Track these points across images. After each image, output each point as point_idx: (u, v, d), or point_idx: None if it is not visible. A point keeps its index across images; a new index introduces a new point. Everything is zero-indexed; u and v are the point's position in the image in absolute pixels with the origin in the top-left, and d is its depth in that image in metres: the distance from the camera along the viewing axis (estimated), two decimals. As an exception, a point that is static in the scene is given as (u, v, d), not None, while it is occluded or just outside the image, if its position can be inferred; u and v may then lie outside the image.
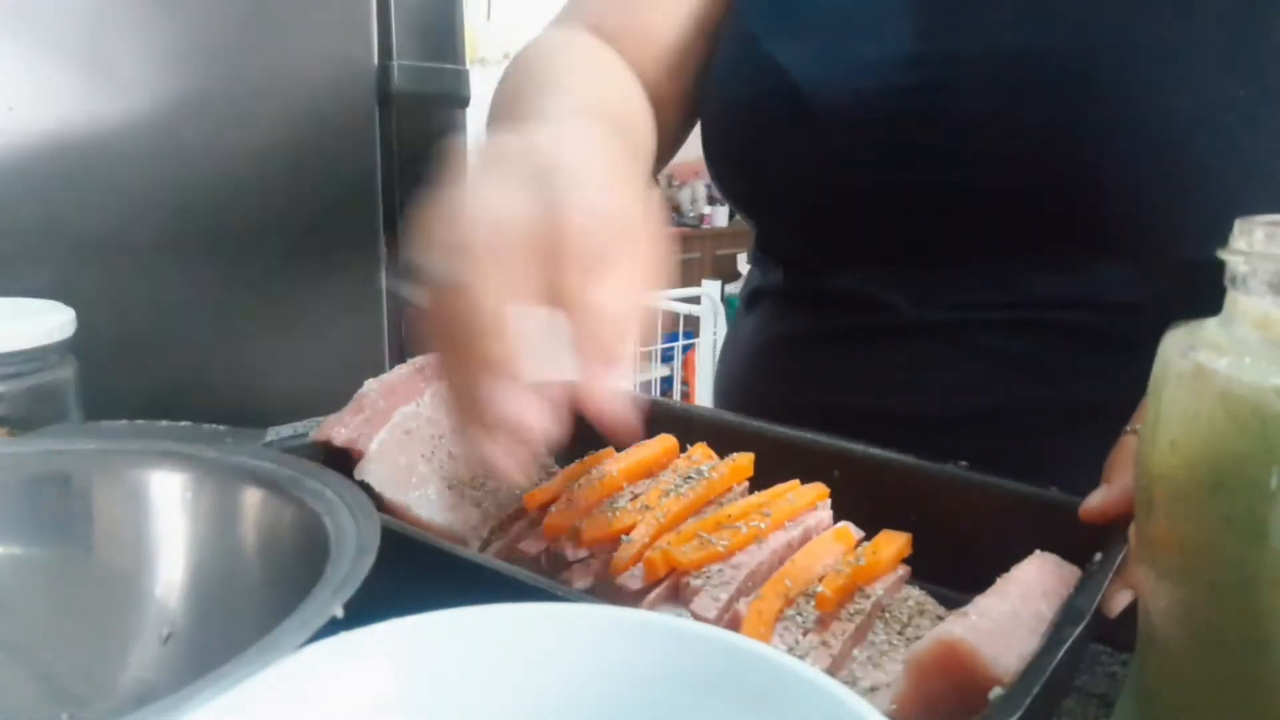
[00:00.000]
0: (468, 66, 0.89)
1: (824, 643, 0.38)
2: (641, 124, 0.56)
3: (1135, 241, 0.54)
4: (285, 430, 0.72)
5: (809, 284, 0.64)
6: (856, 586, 0.41)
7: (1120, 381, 0.40)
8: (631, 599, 0.41)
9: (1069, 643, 0.33)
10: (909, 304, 0.58)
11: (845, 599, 0.40)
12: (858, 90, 0.55)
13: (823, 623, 0.39)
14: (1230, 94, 0.50)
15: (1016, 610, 0.35)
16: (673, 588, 0.42)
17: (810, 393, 0.62)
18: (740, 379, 0.69)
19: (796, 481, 0.48)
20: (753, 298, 0.69)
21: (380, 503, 0.48)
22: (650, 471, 0.50)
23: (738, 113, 0.61)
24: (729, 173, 0.64)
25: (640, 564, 0.42)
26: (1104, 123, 0.51)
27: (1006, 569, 0.39)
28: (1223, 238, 0.29)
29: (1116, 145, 0.51)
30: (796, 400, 0.62)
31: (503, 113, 0.52)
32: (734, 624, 0.39)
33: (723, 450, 0.51)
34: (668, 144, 0.64)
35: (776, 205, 0.64)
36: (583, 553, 0.44)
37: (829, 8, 0.58)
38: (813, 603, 0.40)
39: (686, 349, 2.76)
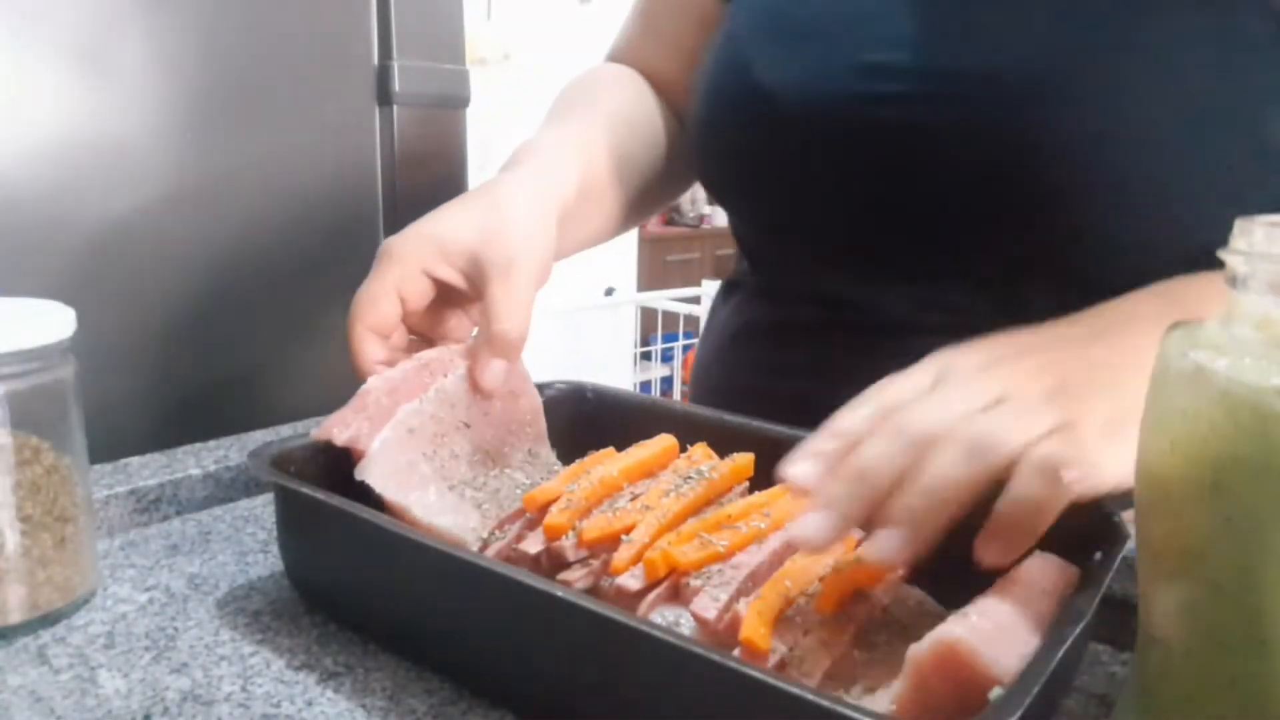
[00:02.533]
0: (468, 66, 0.89)
1: (824, 643, 0.38)
2: (650, 117, 0.73)
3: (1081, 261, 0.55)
4: (285, 430, 0.72)
5: (775, 279, 0.68)
6: (856, 586, 0.41)
7: None
8: (631, 599, 0.41)
9: (1069, 643, 0.33)
10: (874, 305, 0.61)
11: (845, 599, 0.40)
12: (823, 95, 0.58)
13: (823, 623, 0.39)
14: (1205, 103, 0.51)
15: (1016, 610, 0.35)
16: (673, 588, 0.42)
17: (776, 381, 0.66)
18: (711, 368, 0.73)
19: (796, 481, 0.48)
20: (728, 289, 0.74)
21: (381, 503, 0.48)
22: (650, 471, 0.50)
23: (713, 107, 0.64)
24: (706, 164, 0.68)
25: (640, 564, 0.42)
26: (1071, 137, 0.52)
27: (1006, 569, 0.39)
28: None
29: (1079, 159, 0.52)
30: (761, 388, 0.66)
31: (547, 118, 0.69)
32: (734, 624, 0.39)
33: (723, 450, 0.51)
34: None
35: (741, 200, 0.68)
36: (583, 553, 0.44)
37: (812, 15, 0.60)
38: (813, 603, 0.40)
39: (686, 349, 2.76)
